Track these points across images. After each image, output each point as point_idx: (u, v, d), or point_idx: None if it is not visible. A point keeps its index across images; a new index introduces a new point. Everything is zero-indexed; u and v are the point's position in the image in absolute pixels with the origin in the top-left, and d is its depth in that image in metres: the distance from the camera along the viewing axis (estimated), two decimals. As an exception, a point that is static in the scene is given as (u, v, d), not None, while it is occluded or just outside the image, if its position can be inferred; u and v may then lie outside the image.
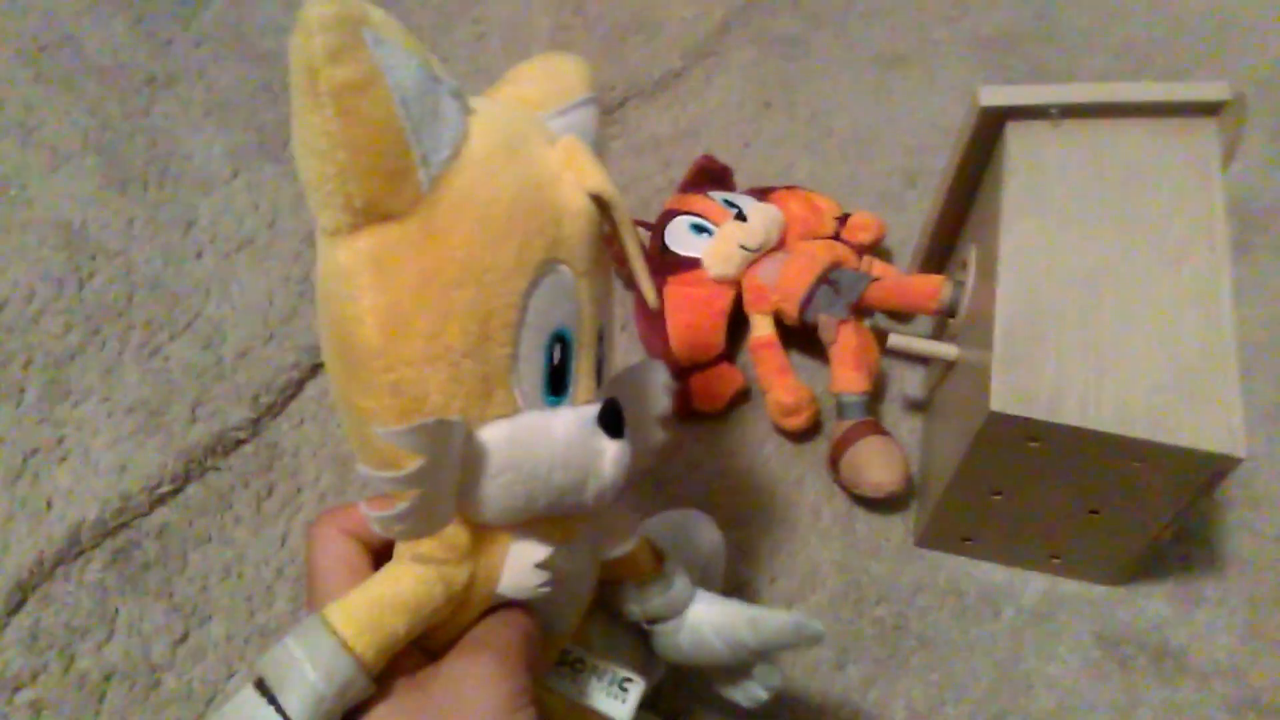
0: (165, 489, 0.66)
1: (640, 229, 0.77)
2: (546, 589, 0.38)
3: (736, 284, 0.73)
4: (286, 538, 0.65)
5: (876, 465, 0.65)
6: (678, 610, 0.49)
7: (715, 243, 0.72)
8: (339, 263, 0.33)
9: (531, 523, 0.38)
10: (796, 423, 0.69)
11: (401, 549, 0.38)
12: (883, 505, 0.68)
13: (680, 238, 0.74)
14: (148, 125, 0.84)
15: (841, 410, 0.69)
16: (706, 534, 0.57)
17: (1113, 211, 0.60)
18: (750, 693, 0.53)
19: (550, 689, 0.44)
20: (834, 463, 0.68)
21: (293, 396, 0.71)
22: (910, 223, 0.81)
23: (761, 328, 0.72)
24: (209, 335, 0.73)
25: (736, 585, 0.65)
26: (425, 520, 0.34)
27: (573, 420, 0.37)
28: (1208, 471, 0.54)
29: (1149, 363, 0.55)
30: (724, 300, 0.72)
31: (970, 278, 0.65)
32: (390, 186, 0.32)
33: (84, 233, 0.77)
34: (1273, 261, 0.83)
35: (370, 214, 0.32)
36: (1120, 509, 0.59)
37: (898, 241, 0.81)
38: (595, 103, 0.42)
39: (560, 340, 0.37)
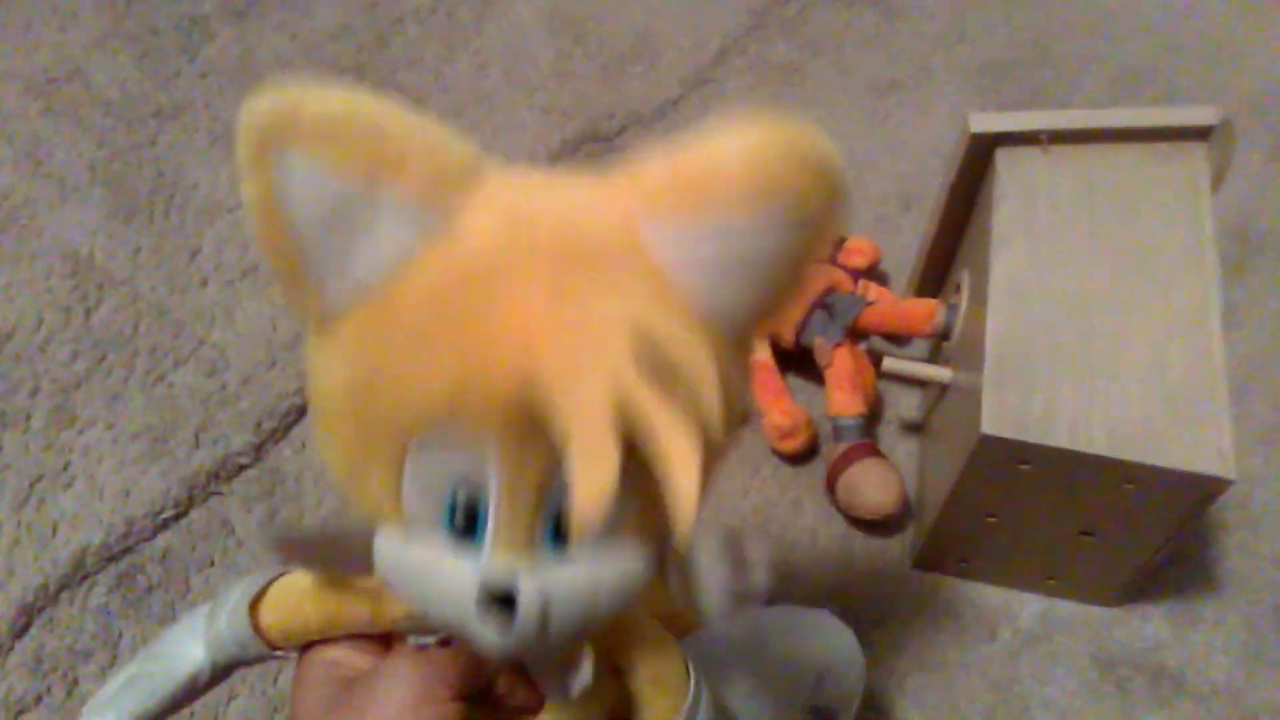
0: (169, 514, 0.67)
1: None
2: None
3: (733, 309, 0.73)
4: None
5: (873, 488, 0.66)
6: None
7: (712, 268, 0.73)
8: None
9: None
10: (793, 445, 0.70)
11: None
12: (880, 527, 0.69)
13: (677, 263, 0.74)
14: (154, 156, 0.86)
15: (838, 433, 0.69)
16: (832, 640, 0.52)
17: (1103, 236, 0.61)
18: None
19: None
20: (831, 485, 0.68)
21: (295, 422, 0.72)
22: (906, 246, 0.82)
23: (757, 351, 0.73)
24: (213, 362, 0.74)
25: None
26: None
27: (460, 577, 0.32)
28: (1199, 493, 0.54)
29: (1139, 386, 0.55)
30: (721, 325, 0.73)
31: (963, 302, 0.66)
32: (296, 303, 0.32)
33: (91, 262, 0.78)
34: (1269, 282, 0.83)
35: (303, 313, 0.32)
36: (1113, 531, 0.59)
37: (893, 266, 0.82)
38: (779, 216, 0.30)
39: (468, 486, 0.32)
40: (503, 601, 0.31)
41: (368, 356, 0.31)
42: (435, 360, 0.30)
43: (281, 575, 0.40)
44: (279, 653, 0.39)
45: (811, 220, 0.31)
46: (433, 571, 0.33)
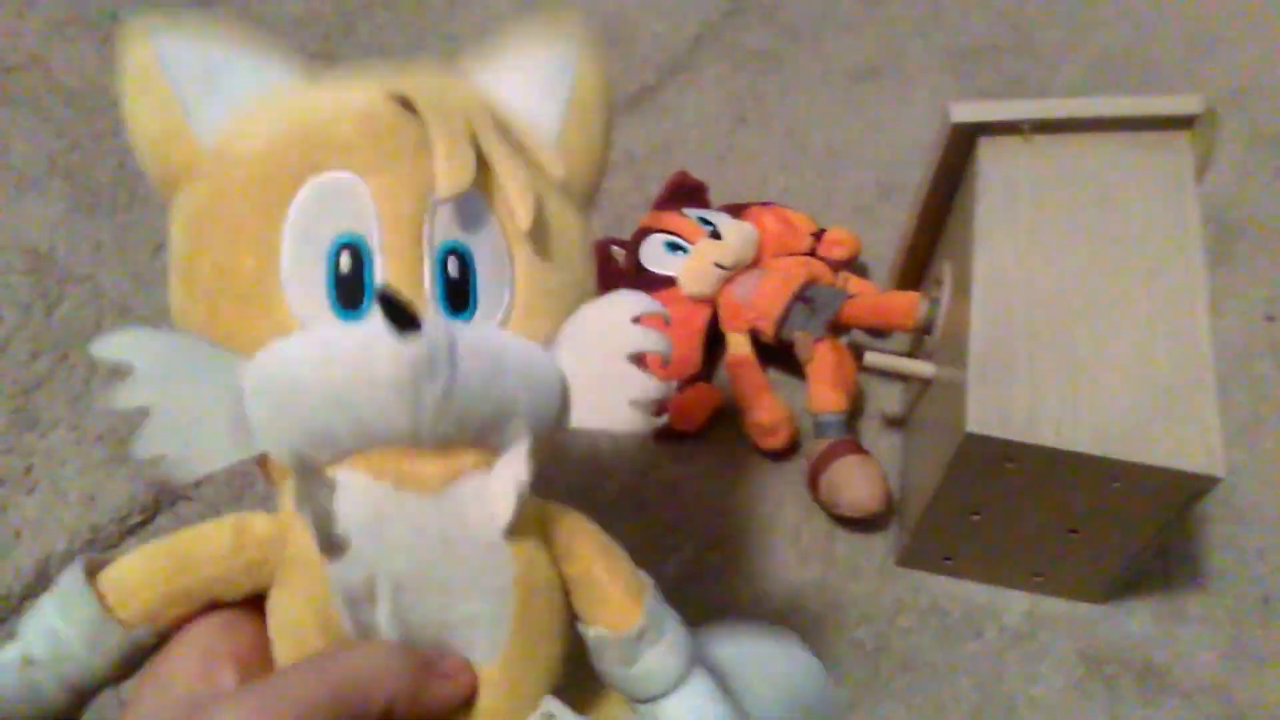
0: (135, 519, 0.65)
1: (616, 248, 0.76)
2: (348, 546, 0.31)
3: (712, 302, 0.72)
4: (258, 567, 0.64)
5: (855, 485, 0.65)
6: (649, 692, 0.37)
7: (690, 261, 0.72)
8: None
9: (353, 463, 0.32)
10: (774, 442, 0.69)
11: None
12: (863, 525, 0.68)
13: (655, 256, 0.73)
14: (116, 147, 0.83)
15: (819, 429, 0.68)
16: (800, 677, 0.48)
17: (1086, 228, 0.60)
18: None
19: None
20: (813, 482, 0.67)
21: (264, 423, 0.70)
22: (886, 237, 0.81)
23: (738, 346, 0.72)
24: (178, 361, 0.72)
25: (715, 609, 0.65)
26: (171, 440, 0.31)
27: (357, 330, 0.32)
28: (1187, 491, 0.54)
29: (1125, 382, 0.54)
30: (700, 319, 0.72)
31: (945, 295, 0.65)
32: (167, 151, 0.35)
33: (52, 257, 0.76)
34: (1249, 271, 0.83)
35: (167, 188, 0.36)
36: (1100, 528, 0.58)
37: (874, 257, 0.81)
38: (568, 49, 0.40)
39: (350, 249, 0.33)
40: (398, 322, 0.30)
41: (246, 142, 0.35)
42: (302, 106, 0.36)
43: (83, 563, 0.33)
44: (118, 630, 0.31)
45: (578, 44, 0.40)
46: (322, 339, 0.32)
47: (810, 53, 0.97)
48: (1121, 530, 0.58)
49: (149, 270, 0.76)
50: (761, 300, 0.70)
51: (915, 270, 0.74)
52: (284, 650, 0.33)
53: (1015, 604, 0.66)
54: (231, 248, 0.34)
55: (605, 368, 0.36)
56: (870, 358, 0.65)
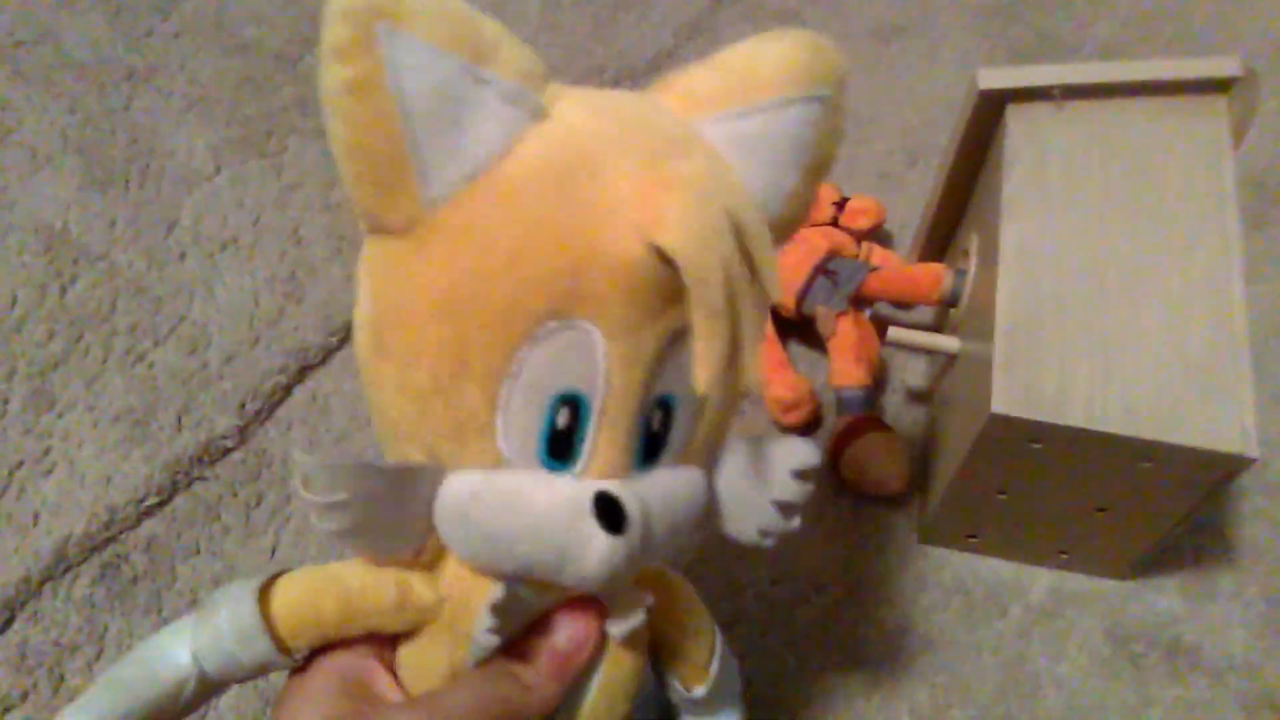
0: (152, 501, 0.65)
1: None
2: (495, 638, 0.35)
3: (732, 276, 0.71)
4: (276, 548, 0.64)
5: (878, 462, 0.64)
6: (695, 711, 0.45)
7: (709, 234, 0.70)
8: (362, 256, 0.33)
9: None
10: (795, 418, 0.68)
11: None
12: (886, 501, 0.67)
13: (673, 229, 0.71)
14: (128, 121, 0.82)
15: (842, 405, 0.67)
16: None
17: (1119, 198, 0.58)
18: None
19: None
20: (835, 459, 0.66)
21: (280, 402, 0.69)
22: (911, 203, 0.79)
23: (758, 320, 0.70)
24: (194, 340, 0.71)
25: (736, 587, 0.64)
26: (358, 543, 0.33)
27: (561, 493, 0.32)
28: (1219, 471, 0.52)
29: (1157, 359, 0.53)
30: (719, 293, 0.70)
31: (972, 267, 0.63)
32: (384, 201, 0.30)
33: (65, 236, 0.75)
34: (1287, 236, 0.80)
35: (369, 223, 0.31)
36: (1129, 508, 0.57)
37: (898, 225, 0.79)
38: (814, 104, 0.34)
39: (570, 404, 0.32)
40: (610, 525, 0.31)
41: (478, 244, 0.30)
42: (557, 235, 0.30)
43: (284, 571, 0.36)
44: (283, 658, 0.34)
45: (826, 98, 0.34)
46: (527, 494, 0.32)
47: (832, 11, 0.94)
48: (1151, 509, 0.57)
49: (163, 248, 0.76)
50: (782, 273, 0.68)
51: (941, 241, 0.73)
52: (407, 682, 0.37)
53: (1040, 581, 0.65)
54: (456, 373, 0.31)
55: (753, 500, 0.37)
56: (894, 333, 0.64)
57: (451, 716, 0.33)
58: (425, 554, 0.35)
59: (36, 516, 0.64)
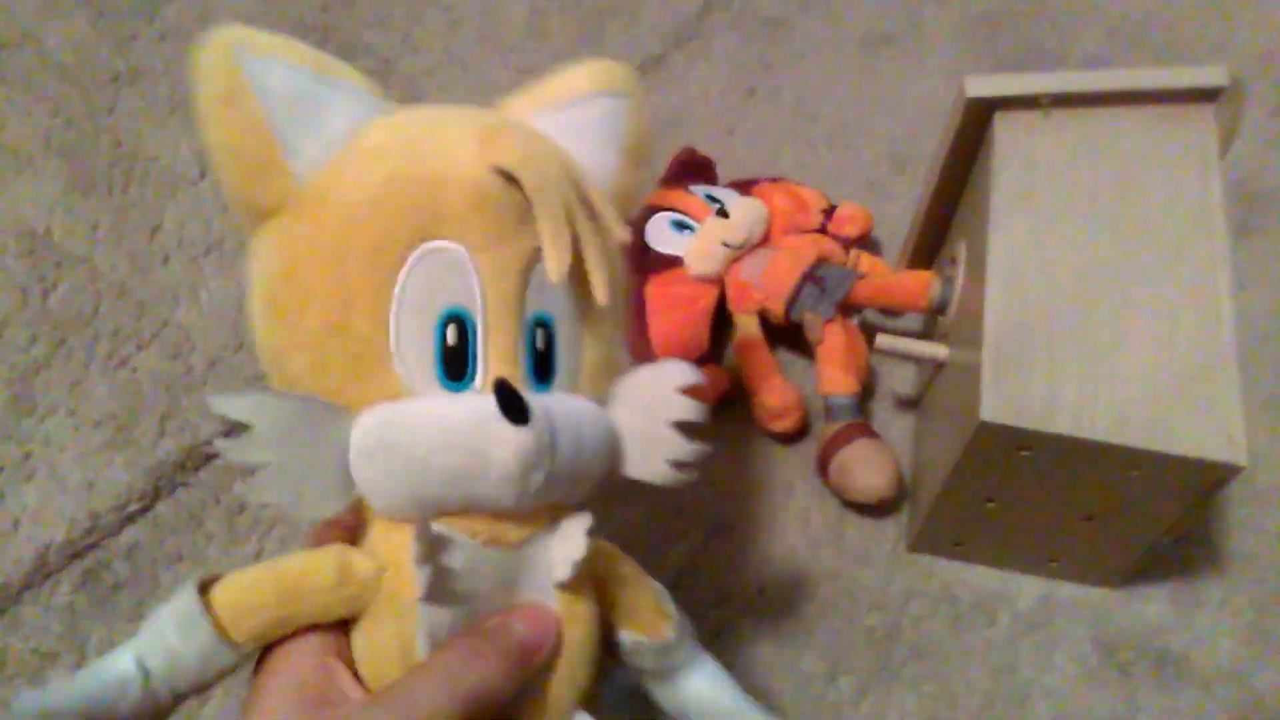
0: (134, 507, 0.64)
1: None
2: (439, 607, 0.35)
3: (720, 282, 0.71)
4: (260, 555, 0.63)
5: (866, 470, 0.63)
6: (670, 669, 0.43)
7: (697, 240, 0.70)
8: (249, 254, 0.37)
9: (450, 521, 0.36)
10: (784, 425, 0.67)
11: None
12: (874, 509, 0.66)
13: (661, 235, 0.71)
14: (112, 125, 0.82)
15: (830, 412, 0.67)
16: None
17: (1106, 206, 0.58)
18: None
19: None
20: (823, 466, 0.66)
21: (264, 408, 0.69)
22: (900, 211, 0.79)
23: (746, 327, 0.70)
24: (177, 344, 0.71)
25: (723, 596, 0.64)
26: (282, 490, 0.34)
27: (467, 404, 0.35)
28: (1208, 480, 0.52)
29: (1145, 367, 0.53)
30: (707, 300, 0.70)
31: (960, 275, 0.63)
32: (260, 183, 0.35)
33: (48, 239, 0.75)
34: (1274, 245, 0.80)
35: (252, 214, 0.36)
36: (1117, 516, 0.57)
37: (887, 232, 0.79)
38: (616, 99, 0.43)
39: (456, 321, 0.36)
40: (513, 414, 0.34)
41: (345, 195, 0.35)
42: (411, 174, 0.35)
43: (192, 583, 0.35)
44: (226, 650, 0.34)
45: (627, 94, 0.43)
46: (435, 411, 0.35)
47: (821, 20, 0.94)
48: (1140, 518, 0.57)
49: (147, 252, 0.75)
50: (770, 281, 0.68)
51: (929, 248, 0.72)
52: (367, 674, 0.37)
53: (1029, 590, 0.65)
54: (344, 307, 0.35)
55: (651, 431, 0.40)
56: (882, 340, 0.64)
57: (420, 710, 0.33)
58: (350, 516, 0.38)
59: (17, 523, 0.63)
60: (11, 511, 0.63)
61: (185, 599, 0.35)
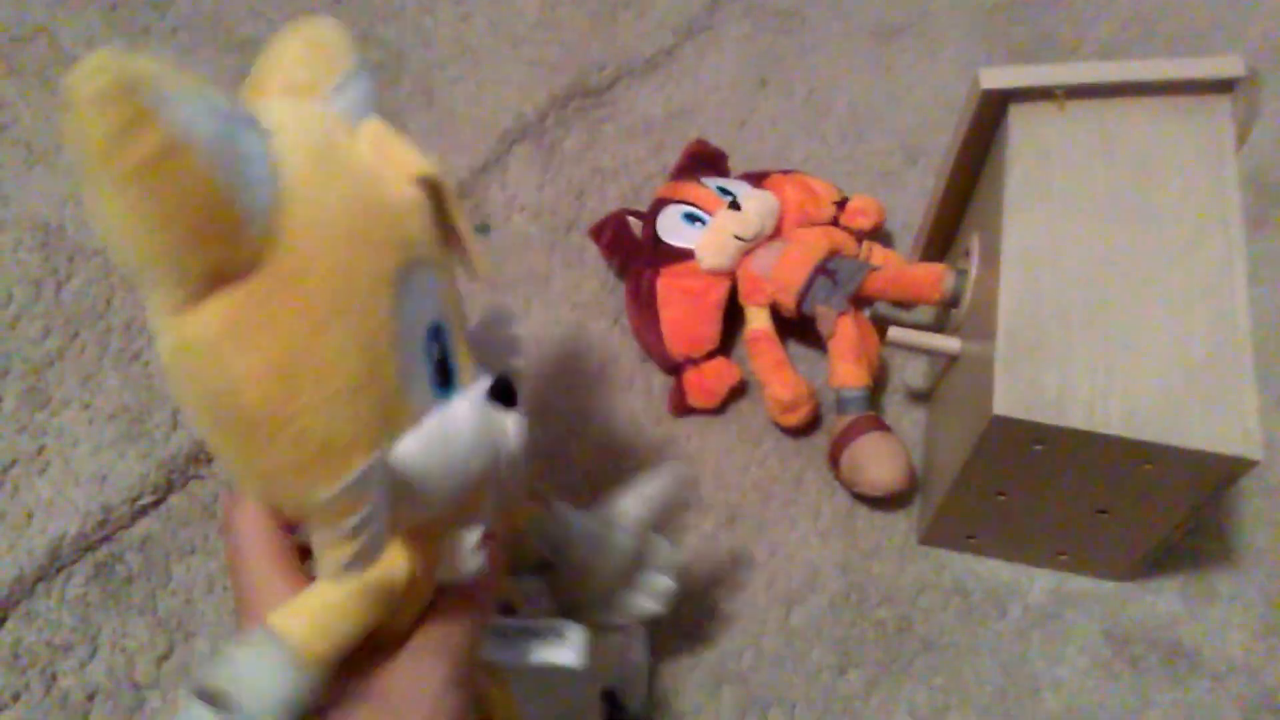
0: (147, 499, 0.64)
1: (631, 219, 0.74)
2: (482, 564, 0.38)
3: (731, 275, 0.70)
4: (272, 547, 0.64)
5: (877, 463, 0.63)
6: (568, 532, 0.48)
7: (708, 233, 0.70)
8: (190, 338, 0.30)
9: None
10: (795, 418, 0.67)
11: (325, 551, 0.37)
12: (885, 502, 0.66)
13: (672, 228, 0.71)
14: (124, 118, 0.82)
15: (841, 405, 0.67)
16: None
17: (1121, 199, 0.57)
18: (652, 590, 0.51)
19: (491, 664, 0.43)
20: (834, 460, 0.66)
21: (276, 400, 0.69)
22: (912, 203, 0.79)
23: (757, 320, 0.70)
24: (190, 338, 0.71)
25: (733, 588, 0.64)
26: (374, 552, 0.33)
27: (469, 406, 0.36)
28: (1222, 474, 0.52)
29: (1159, 361, 0.53)
30: (718, 292, 0.70)
31: (973, 267, 0.63)
32: (226, 248, 0.29)
33: (61, 233, 0.75)
34: (1288, 237, 0.80)
35: (211, 281, 0.30)
36: (1130, 509, 0.57)
37: (899, 225, 0.79)
38: (364, 66, 0.38)
39: (436, 333, 0.36)
40: (505, 398, 0.37)
41: (322, 242, 0.31)
42: (369, 198, 0.33)
43: (273, 629, 0.34)
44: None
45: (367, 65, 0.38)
46: (450, 424, 0.35)
47: (833, 11, 0.94)
48: (1153, 511, 0.57)
49: (159, 244, 0.75)
50: (782, 273, 0.68)
51: (942, 240, 0.72)
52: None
53: (1039, 582, 0.64)
54: (372, 359, 0.33)
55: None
56: (894, 333, 0.63)
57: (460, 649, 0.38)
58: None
59: (30, 515, 0.63)
60: (25, 504, 0.64)
61: (284, 668, 0.33)
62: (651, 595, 0.51)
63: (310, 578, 0.37)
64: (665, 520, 0.51)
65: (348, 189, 0.32)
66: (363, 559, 0.33)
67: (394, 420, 0.34)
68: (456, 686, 0.38)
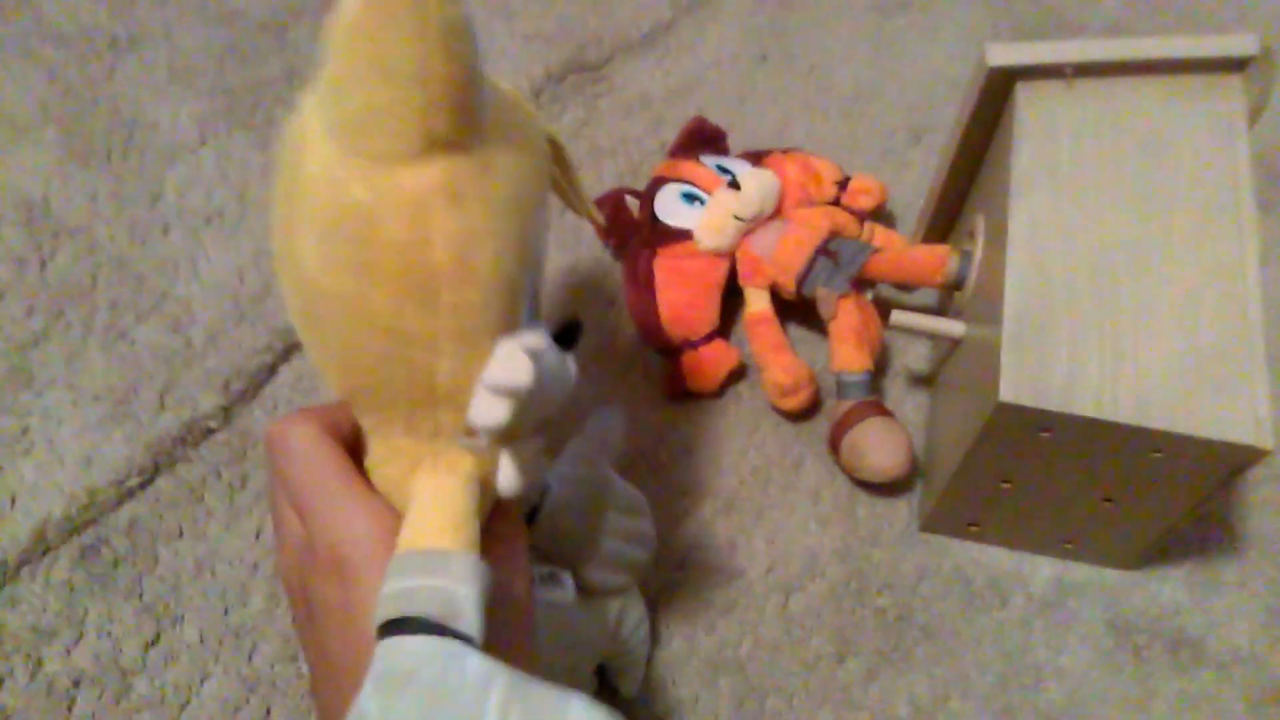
0: (133, 482, 0.63)
1: (630, 197, 0.73)
2: (525, 486, 0.40)
3: (730, 256, 0.69)
4: (261, 531, 0.62)
5: (879, 449, 0.62)
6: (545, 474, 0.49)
7: (707, 213, 0.68)
8: (400, 189, 0.33)
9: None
10: (794, 403, 0.66)
11: (384, 458, 0.39)
12: (886, 488, 0.65)
13: (670, 208, 0.70)
14: (110, 92, 0.80)
15: (842, 389, 0.65)
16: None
17: (1130, 180, 0.56)
18: (628, 534, 0.53)
19: None
20: (834, 445, 0.65)
21: (265, 381, 0.67)
22: (915, 182, 0.77)
23: (757, 302, 0.68)
24: (177, 317, 0.69)
25: (731, 575, 0.63)
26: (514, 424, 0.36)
27: (545, 340, 0.38)
28: (1232, 462, 0.51)
29: (1169, 347, 0.51)
30: (717, 274, 0.68)
31: (978, 249, 0.62)
32: (468, 121, 0.33)
33: (45, 209, 0.73)
34: (1297, 219, 0.79)
35: (443, 144, 0.33)
36: (1137, 498, 0.56)
37: (901, 204, 0.77)
38: None
39: (538, 264, 0.39)
40: (569, 341, 0.40)
41: (511, 156, 0.36)
42: (539, 139, 0.39)
43: (435, 548, 0.36)
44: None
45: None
46: (545, 345, 0.37)
47: (834, -15, 0.92)
48: (1160, 500, 0.55)
49: (146, 223, 0.73)
50: (782, 254, 0.67)
51: (946, 221, 0.71)
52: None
53: (1042, 570, 0.63)
54: (526, 254, 0.37)
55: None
56: (897, 317, 0.62)
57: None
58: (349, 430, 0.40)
59: (14, 498, 0.62)
60: (9, 486, 0.62)
61: (468, 568, 0.35)
62: (630, 541, 0.52)
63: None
64: (610, 451, 0.51)
65: (519, 117, 0.37)
66: (498, 430, 0.36)
67: (518, 320, 0.37)
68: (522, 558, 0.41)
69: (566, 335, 0.40)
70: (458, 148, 0.34)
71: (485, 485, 0.39)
